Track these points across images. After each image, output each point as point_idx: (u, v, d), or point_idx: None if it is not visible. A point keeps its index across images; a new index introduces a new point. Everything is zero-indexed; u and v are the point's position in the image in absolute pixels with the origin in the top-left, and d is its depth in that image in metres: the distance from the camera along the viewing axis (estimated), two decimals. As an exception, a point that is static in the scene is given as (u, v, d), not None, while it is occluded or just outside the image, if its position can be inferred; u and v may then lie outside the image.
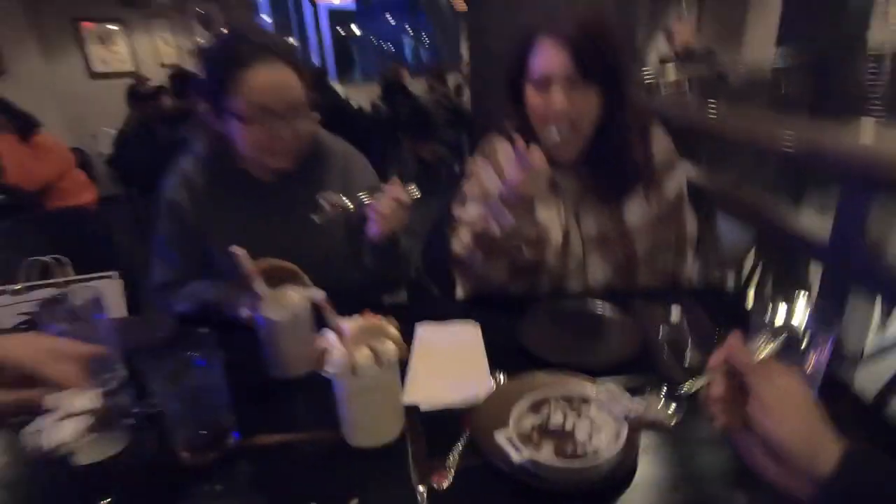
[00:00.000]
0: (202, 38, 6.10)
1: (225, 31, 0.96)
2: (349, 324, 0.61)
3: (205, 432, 0.64)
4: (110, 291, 1.45)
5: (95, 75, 5.36)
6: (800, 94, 4.39)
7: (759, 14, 5.30)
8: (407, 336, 0.78)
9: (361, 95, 6.67)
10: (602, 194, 1.05)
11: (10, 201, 2.61)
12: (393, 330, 0.63)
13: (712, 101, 1.56)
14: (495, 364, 0.81)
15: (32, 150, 2.73)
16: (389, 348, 0.60)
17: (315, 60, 8.86)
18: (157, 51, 5.87)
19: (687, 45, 4.47)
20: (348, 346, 0.58)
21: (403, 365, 0.73)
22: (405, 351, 0.62)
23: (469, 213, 1.10)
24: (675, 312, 0.91)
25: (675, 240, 1.13)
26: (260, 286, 0.74)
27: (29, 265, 1.42)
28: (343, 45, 11.72)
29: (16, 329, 1.33)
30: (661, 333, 0.85)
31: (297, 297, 0.76)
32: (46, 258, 1.43)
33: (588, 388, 0.66)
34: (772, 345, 0.55)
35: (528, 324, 0.89)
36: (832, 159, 0.93)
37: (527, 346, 0.83)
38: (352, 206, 0.91)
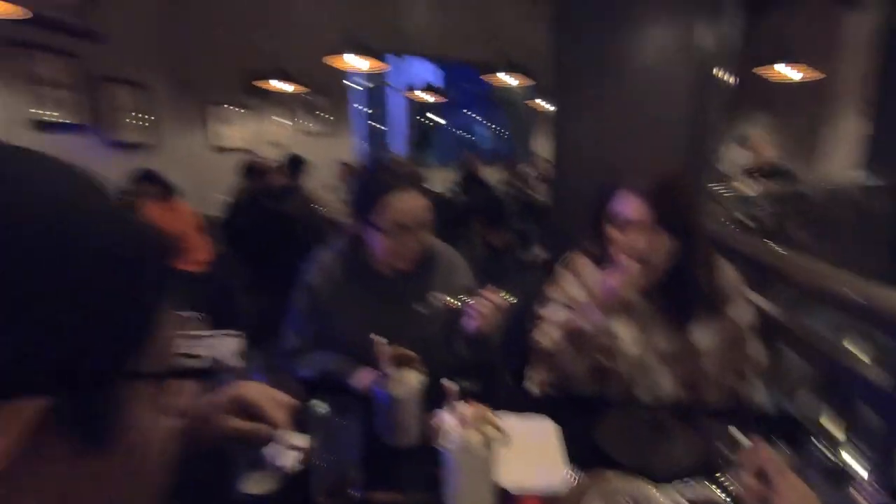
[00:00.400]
0: (306, 122, 6.99)
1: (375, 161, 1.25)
2: (465, 409, 0.78)
3: (337, 483, 0.81)
4: (231, 347, 1.72)
5: (215, 149, 6.22)
6: (888, 214, 4.30)
7: (837, 129, 5.36)
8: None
9: (435, 179, 7.23)
10: (670, 318, 1.19)
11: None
12: (496, 419, 0.80)
13: (777, 245, 1.67)
14: (569, 457, 0.93)
15: (170, 214, 3.25)
16: (496, 434, 0.76)
17: (398, 145, 9.73)
18: (268, 131, 6.75)
19: (765, 160, 4.57)
20: (465, 427, 0.75)
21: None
22: (507, 439, 0.78)
23: (553, 314, 1.27)
24: (740, 435, 1.00)
25: (741, 365, 1.23)
26: (389, 367, 0.93)
27: (175, 318, 1.72)
28: (423, 133, 12.79)
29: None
30: (725, 453, 0.94)
31: (414, 379, 0.95)
32: (190, 314, 1.74)
33: (652, 492, 0.78)
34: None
35: (600, 425, 1.02)
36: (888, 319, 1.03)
37: (599, 445, 0.95)
38: (457, 304, 1.11)
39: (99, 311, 0.26)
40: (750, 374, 1.23)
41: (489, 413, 0.79)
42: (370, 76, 8.69)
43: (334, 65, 4.40)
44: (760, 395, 1.28)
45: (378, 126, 10.99)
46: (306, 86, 5.63)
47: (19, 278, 0.23)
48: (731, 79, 2.24)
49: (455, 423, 0.76)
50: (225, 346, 1.69)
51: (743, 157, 5.12)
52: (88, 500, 0.28)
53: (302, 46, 5.98)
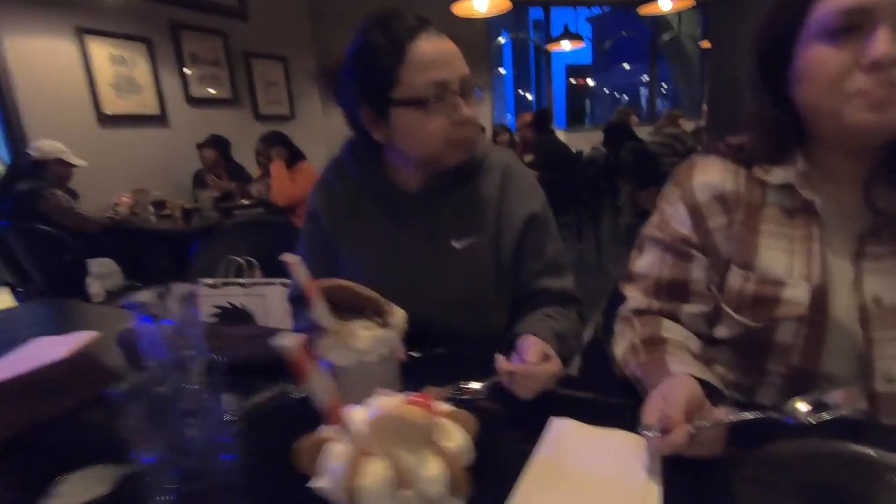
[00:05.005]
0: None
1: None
2: (383, 406, 0.34)
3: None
4: (277, 297, 1.51)
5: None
6: None
7: None
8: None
9: (582, 141, 6.44)
10: None
11: (267, 212, 3.16)
12: (459, 432, 0.34)
13: None
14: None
15: (293, 175, 3.28)
16: (432, 472, 0.32)
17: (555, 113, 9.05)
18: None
19: None
20: (358, 448, 0.32)
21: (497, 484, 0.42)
22: (464, 486, 0.32)
23: (643, 263, 0.74)
24: None
25: None
26: (322, 314, 0.54)
27: (228, 263, 1.57)
28: (576, 96, 11.81)
29: (209, 319, 1.47)
30: None
31: (369, 338, 0.53)
32: (241, 259, 1.57)
33: None
34: None
35: (744, 469, 0.48)
36: None
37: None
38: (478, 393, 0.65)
39: None
40: None
41: (446, 417, 0.34)
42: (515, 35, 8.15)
43: (459, 13, 4.04)
44: None
45: (525, 94, 10.44)
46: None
47: None
48: None
49: (341, 447, 0.33)
50: (274, 293, 1.49)
51: None
52: None
53: (438, 5, 5.75)
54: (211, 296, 1.55)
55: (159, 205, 3.44)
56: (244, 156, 4.01)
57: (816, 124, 0.60)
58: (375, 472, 0.31)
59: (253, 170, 3.88)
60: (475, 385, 0.63)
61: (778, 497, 0.45)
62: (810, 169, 0.62)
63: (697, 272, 0.69)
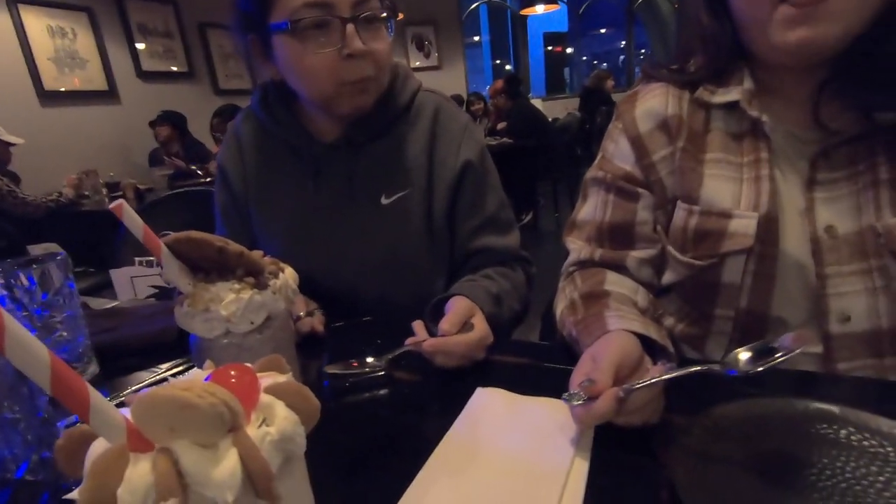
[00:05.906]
0: (415, 57, 6.52)
1: None
2: (188, 379, 0.25)
3: None
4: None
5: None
6: None
7: None
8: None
9: (560, 108, 6.30)
10: (877, 148, 0.51)
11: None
12: (284, 415, 0.25)
13: None
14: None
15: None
16: (223, 473, 0.22)
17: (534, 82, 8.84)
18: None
19: None
20: (124, 444, 0.23)
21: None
22: (267, 486, 0.23)
23: (587, 210, 0.65)
24: None
25: None
26: (174, 274, 0.44)
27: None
28: (556, 64, 11.59)
29: (147, 299, 1.36)
30: None
31: (234, 303, 0.43)
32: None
33: None
34: None
35: (683, 438, 0.40)
36: None
37: (674, 482, 0.35)
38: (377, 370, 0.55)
39: None
40: None
41: (283, 388, 0.25)
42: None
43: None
44: None
45: (503, 65, 10.20)
46: (414, 16, 5.15)
47: None
48: None
49: (101, 444, 0.23)
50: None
51: None
52: None
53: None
54: (147, 275, 1.44)
55: (114, 186, 3.26)
56: (204, 132, 3.82)
57: (751, 40, 0.53)
58: (136, 476, 0.22)
59: (213, 146, 3.71)
60: (370, 359, 0.54)
61: (723, 471, 0.37)
62: (758, 88, 0.55)
63: (643, 213, 0.60)
